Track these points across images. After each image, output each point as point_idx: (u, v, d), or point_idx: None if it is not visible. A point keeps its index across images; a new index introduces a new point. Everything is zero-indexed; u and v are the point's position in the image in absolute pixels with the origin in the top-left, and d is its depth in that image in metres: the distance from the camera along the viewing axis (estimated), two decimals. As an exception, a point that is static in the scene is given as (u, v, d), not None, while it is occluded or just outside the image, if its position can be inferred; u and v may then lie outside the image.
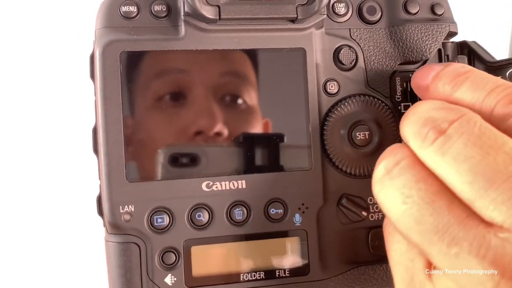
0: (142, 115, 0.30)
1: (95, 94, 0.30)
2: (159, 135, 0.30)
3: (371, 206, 0.32)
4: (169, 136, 0.30)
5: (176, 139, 0.30)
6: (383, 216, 0.32)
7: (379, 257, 0.32)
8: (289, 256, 0.31)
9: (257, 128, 0.31)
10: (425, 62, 0.34)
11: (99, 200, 0.30)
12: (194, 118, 0.30)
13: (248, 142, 0.31)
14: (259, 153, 0.31)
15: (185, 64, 0.30)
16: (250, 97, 0.31)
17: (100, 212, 0.30)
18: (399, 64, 0.34)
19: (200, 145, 0.30)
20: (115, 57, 0.29)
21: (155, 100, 0.30)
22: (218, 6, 0.29)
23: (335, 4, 0.33)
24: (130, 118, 0.29)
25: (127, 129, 0.29)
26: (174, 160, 0.30)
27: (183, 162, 0.30)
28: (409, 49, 0.33)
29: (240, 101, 0.31)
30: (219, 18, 0.29)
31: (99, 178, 0.30)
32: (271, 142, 0.31)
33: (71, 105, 0.57)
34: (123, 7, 0.30)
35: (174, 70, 0.30)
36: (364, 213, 0.32)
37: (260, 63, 0.31)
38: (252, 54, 0.31)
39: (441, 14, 0.34)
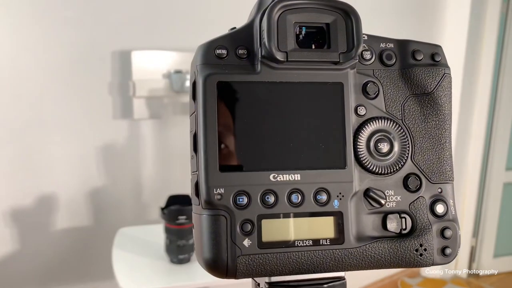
0: (230, 127, 0.42)
1: (196, 111, 0.42)
2: (243, 140, 0.42)
3: (387, 197, 0.45)
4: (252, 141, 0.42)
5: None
6: (396, 203, 0.45)
7: (391, 234, 0.44)
8: (330, 230, 0.43)
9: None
10: (428, 94, 0.47)
11: (196, 185, 0.42)
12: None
13: (305, 149, 0.43)
14: (311, 156, 0.43)
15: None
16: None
17: (197, 193, 0.42)
18: (407, 96, 0.46)
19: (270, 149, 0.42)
20: (213, 85, 0.41)
21: (243, 118, 0.42)
22: (286, 52, 0.42)
23: (363, 52, 0.46)
24: (222, 129, 0.41)
25: (220, 136, 0.41)
26: (252, 158, 0.42)
27: (258, 160, 0.42)
28: (416, 86, 0.46)
29: None
30: (287, 60, 0.42)
31: (197, 169, 0.42)
32: (320, 149, 0.43)
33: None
34: (216, 50, 0.42)
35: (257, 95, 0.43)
36: (383, 202, 0.44)
37: (313, 92, 0.44)
38: (307, 86, 0.44)
39: (439, 61, 0.47)
